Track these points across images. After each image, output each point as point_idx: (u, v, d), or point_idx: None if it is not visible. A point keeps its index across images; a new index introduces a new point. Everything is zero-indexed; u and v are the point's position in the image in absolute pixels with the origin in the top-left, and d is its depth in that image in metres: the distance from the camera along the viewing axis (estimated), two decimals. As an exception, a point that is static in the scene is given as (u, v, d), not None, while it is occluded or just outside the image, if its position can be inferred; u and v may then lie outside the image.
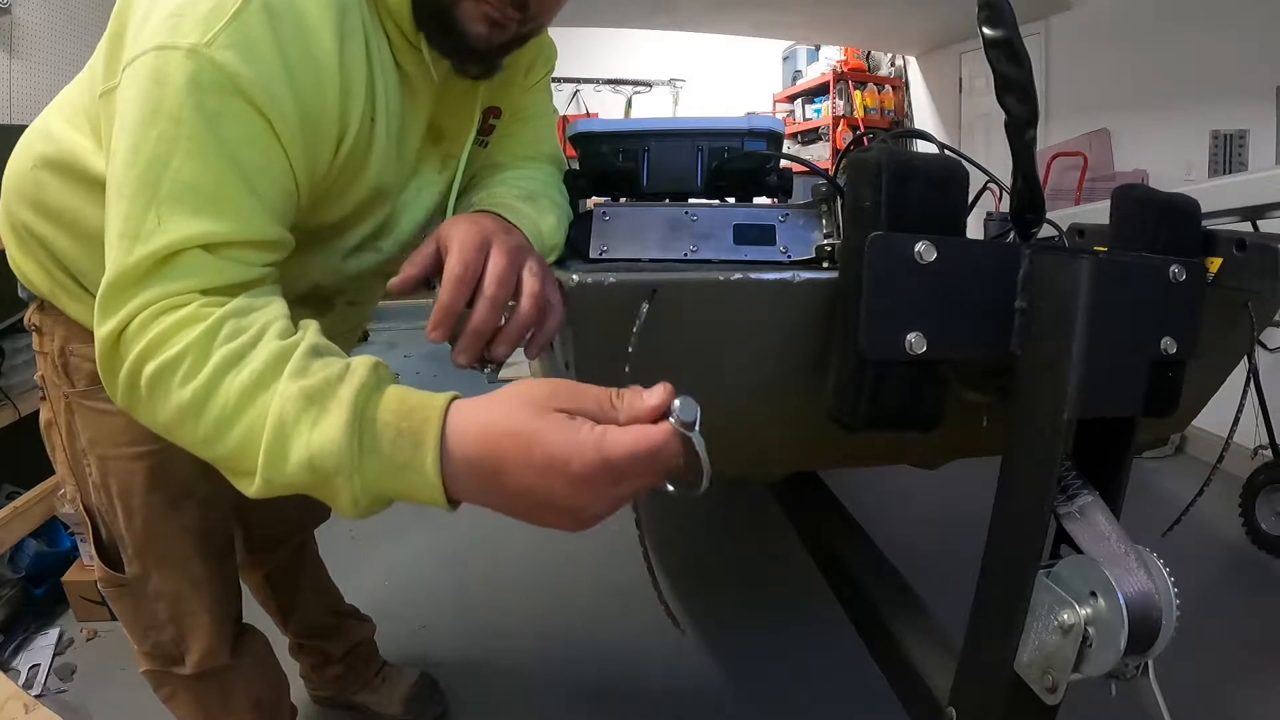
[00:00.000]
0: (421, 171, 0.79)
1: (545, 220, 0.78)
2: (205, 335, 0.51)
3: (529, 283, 0.62)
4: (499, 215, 0.70)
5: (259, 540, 1.18)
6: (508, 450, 0.46)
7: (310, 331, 0.54)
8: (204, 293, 0.53)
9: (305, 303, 0.80)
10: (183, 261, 0.53)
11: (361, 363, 0.51)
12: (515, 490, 0.46)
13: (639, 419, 0.45)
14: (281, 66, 0.56)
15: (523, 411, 0.46)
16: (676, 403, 0.45)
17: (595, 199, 1.00)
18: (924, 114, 4.71)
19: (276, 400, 0.48)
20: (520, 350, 0.64)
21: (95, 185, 0.67)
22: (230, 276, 0.55)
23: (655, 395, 0.46)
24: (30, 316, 0.87)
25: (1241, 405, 0.87)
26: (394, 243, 0.80)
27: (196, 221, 0.53)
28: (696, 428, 0.44)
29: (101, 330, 0.54)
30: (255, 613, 1.16)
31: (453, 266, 0.60)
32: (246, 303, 0.54)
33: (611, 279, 0.65)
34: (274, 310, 0.55)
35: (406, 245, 0.80)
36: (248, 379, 0.50)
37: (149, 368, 0.51)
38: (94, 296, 0.75)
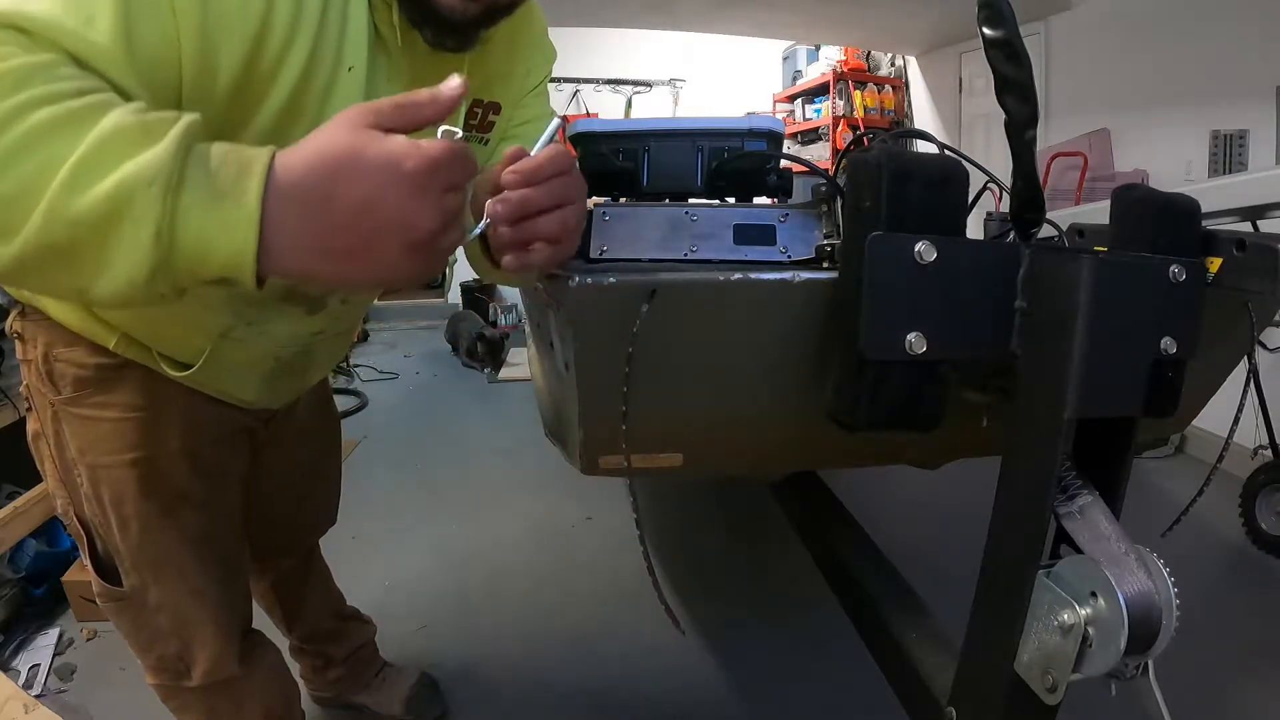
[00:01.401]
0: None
1: None
2: (27, 68, 0.43)
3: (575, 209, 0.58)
4: None
5: (265, 549, 1.16)
6: (342, 162, 0.44)
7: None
8: (26, 35, 0.45)
9: (295, 300, 0.79)
10: (26, 37, 0.45)
11: (194, 115, 0.45)
12: (348, 209, 0.44)
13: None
14: None
15: (348, 129, 0.45)
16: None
17: (595, 199, 1.00)
18: (924, 114, 4.71)
19: (105, 125, 0.42)
20: (520, 350, 0.64)
21: None
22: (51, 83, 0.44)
23: (451, 87, 0.48)
24: (11, 324, 0.85)
25: (1241, 405, 0.87)
26: None
27: (57, 11, 0.46)
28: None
29: None
30: (256, 614, 1.16)
31: (542, 157, 0.56)
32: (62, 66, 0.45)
33: (611, 279, 0.65)
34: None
35: None
36: (67, 112, 0.42)
37: None
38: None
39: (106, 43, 0.49)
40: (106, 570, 0.89)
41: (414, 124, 0.47)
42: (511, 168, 0.55)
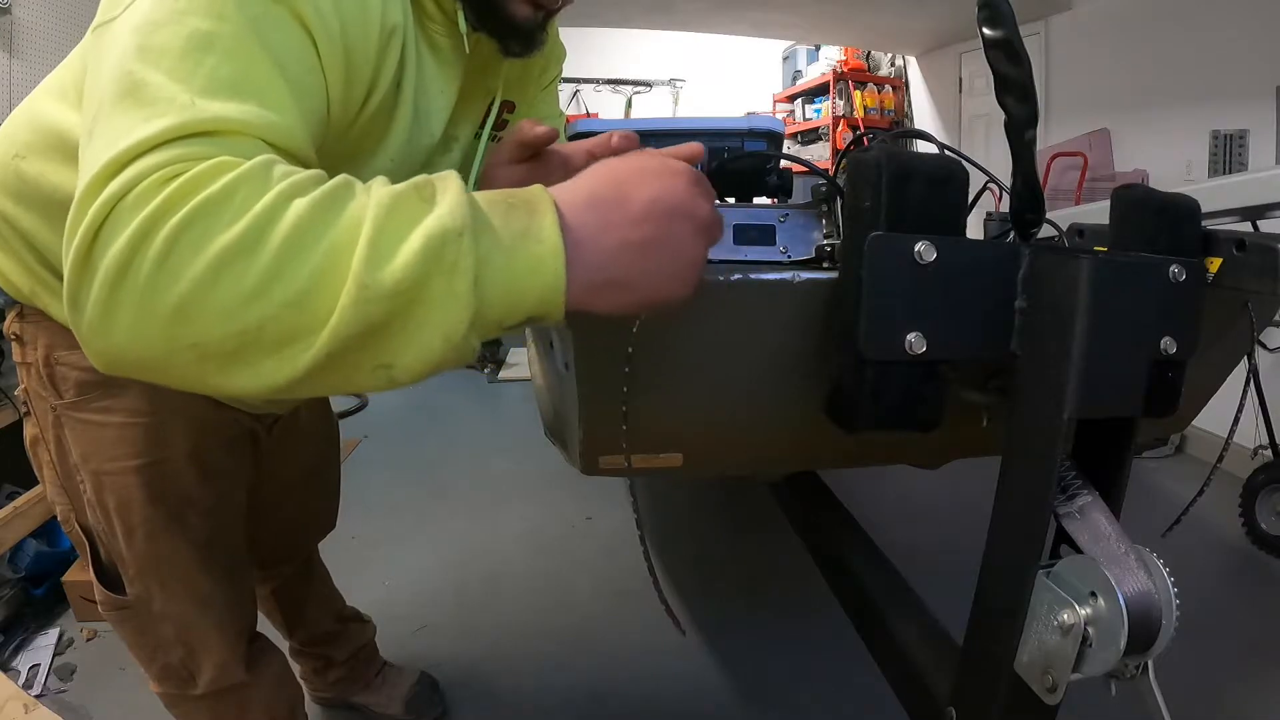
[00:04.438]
0: (450, 148, 0.77)
1: None
2: (255, 170, 0.41)
3: None
4: None
5: (266, 557, 1.15)
6: (627, 173, 0.47)
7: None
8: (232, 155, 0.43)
9: None
10: (219, 138, 0.43)
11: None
12: (643, 202, 0.46)
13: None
14: None
15: (608, 159, 0.50)
16: None
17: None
18: (924, 114, 4.71)
19: (373, 204, 0.41)
20: (520, 350, 0.65)
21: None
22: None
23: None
24: (9, 325, 0.82)
25: (1241, 405, 0.87)
26: None
27: (239, 106, 0.45)
28: None
29: (82, 219, 0.40)
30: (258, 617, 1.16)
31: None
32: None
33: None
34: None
35: None
36: (322, 198, 0.41)
37: (171, 222, 0.38)
38: None
39: (290, 121, 0.48)
40: (110, 578, 0.87)
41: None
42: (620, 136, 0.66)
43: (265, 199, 0.40)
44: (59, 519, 0.89)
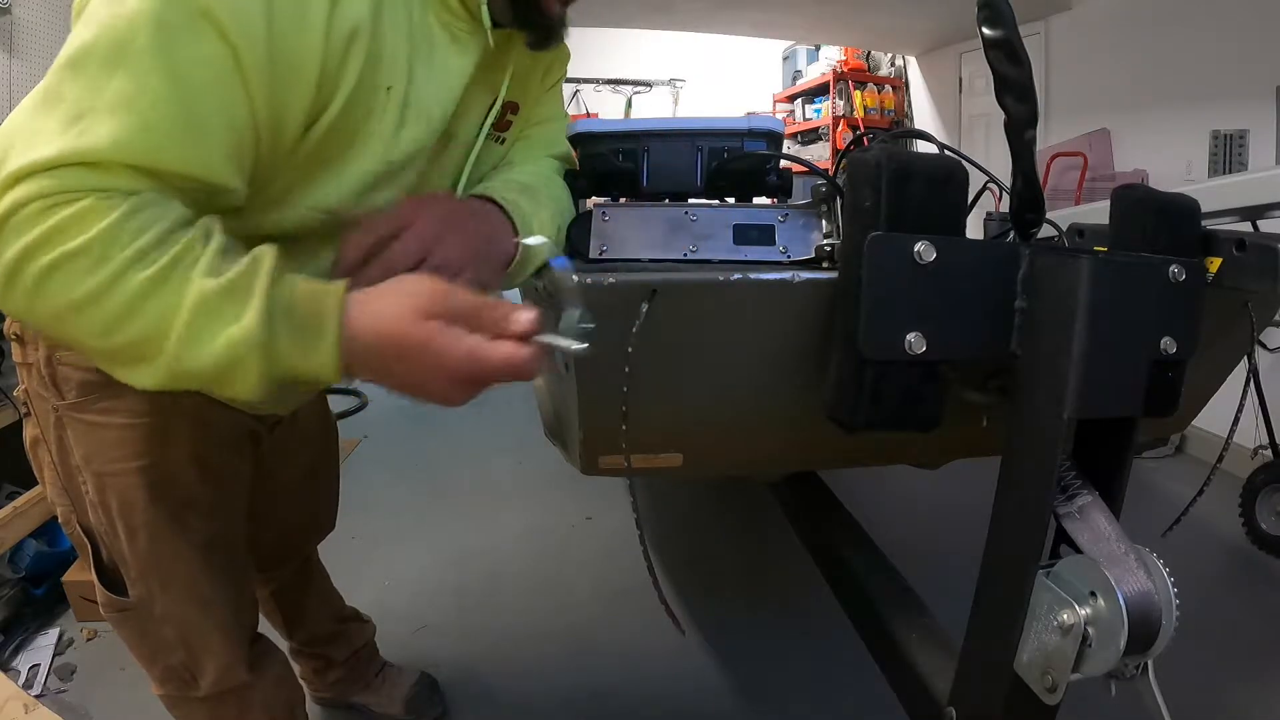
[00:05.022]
0: (449, 145, 0.77)
1: (540, 213, 0.77)
2: (111, 229, 0.50)
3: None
4: (488, 199, 0.72)
5: (265, 559, 1.14)
6: (396, 352, 0.54)
7: (216, 231, 0.55)
8: (100, 192, 0.51)
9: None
10: (96, 169, 0.51)
11: (266, 253, 0.54)
12: (399, 378, 0.56)
13: (506, 336, 0.55)
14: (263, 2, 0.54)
15: (411, 319, 0.54)
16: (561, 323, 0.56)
17: (595, 199, 1.00)
18: (924, 114, 4.71)
19: (195, 292, 0.51)
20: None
21: None
22: (135, 187, 0.52)
23: (523, 323, 0.55)
24: (9, 325, 0.82)
25: (1241, 405, 0.87)
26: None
27: (127, 131, 0.51)
28: (567, 345, 0.56)
29: None
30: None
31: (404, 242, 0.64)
32: (149, 198, 0.52)
33: (611, 279, 0.65)
34: (177, 207, 0.54)
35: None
36: (157, 273, 0.51)
37: (42, 260, 0.49)
38: None
39: (180, 143, 0.53)
40: (111, 579, 0.87)
41: (481, 331, 0.55)
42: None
43: (112, 265, 0.50)
44: (60, 520, 0.89)
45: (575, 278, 0.65)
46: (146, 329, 0.51)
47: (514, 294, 0.84)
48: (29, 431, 0.86)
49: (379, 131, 0.65)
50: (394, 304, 0.54)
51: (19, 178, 0.49)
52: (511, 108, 0.82)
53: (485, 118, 0.78)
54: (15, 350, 0.82)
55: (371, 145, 0.66)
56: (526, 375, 0.55)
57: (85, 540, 0.86)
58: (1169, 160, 2.73)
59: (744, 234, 0.81)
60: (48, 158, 0.49)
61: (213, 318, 0.51)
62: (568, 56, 0.91)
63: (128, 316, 0.50)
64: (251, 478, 0.96)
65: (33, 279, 0.50)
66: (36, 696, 1.43)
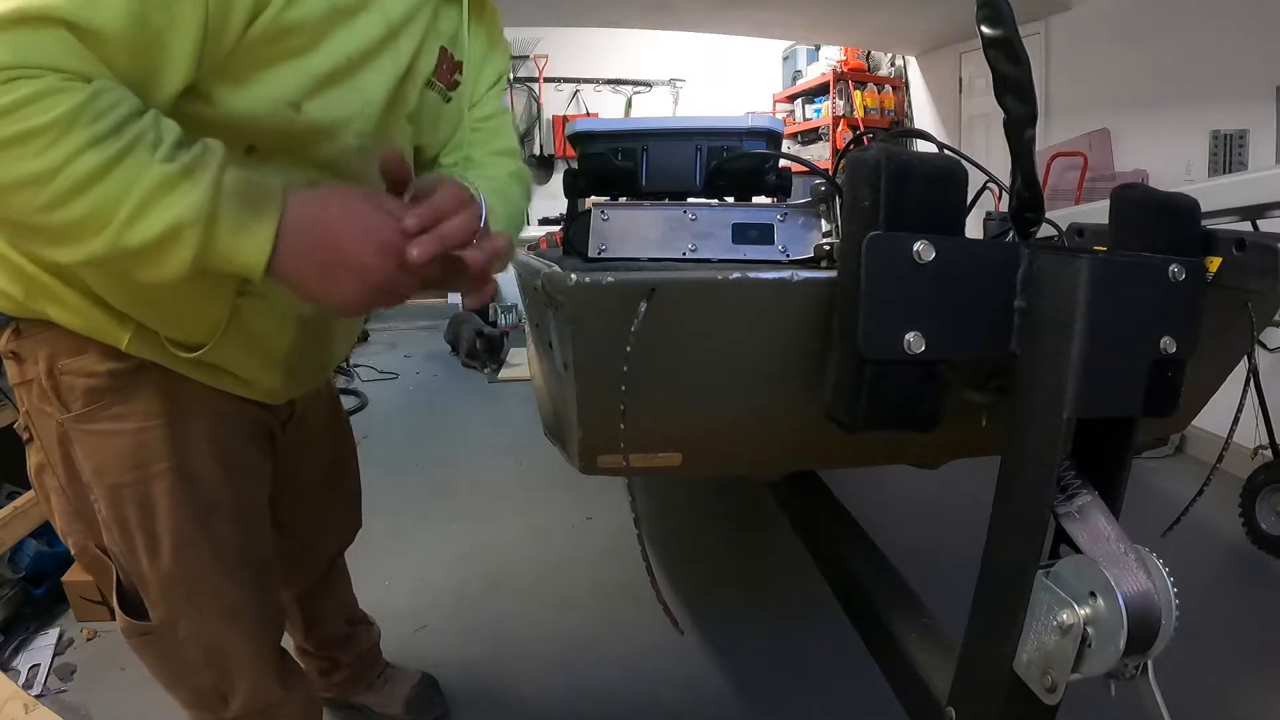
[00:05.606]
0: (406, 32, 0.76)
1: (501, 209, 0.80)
2: (70, 114, 0.50)
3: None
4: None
5: (290, 561, 1.10)
6: (337, 214, 0.59)
7: (170, 122, 0.56)
8: (58, 72, 0.51)
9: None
10: (44, 37, 0.51)
11: (217, 143, 0.57)
12: (331, 244, 0.59)
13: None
14: None
15: (348, 195, 0.60)
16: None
17: (594, 198, 1.00)
18: (924, 114, 4.71)
19: (151, 175, 0.53)
20: (520, 350, 0.66)
21: None
22: (89, 71, 0.53)
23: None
24: (5, 344, 0.76)
25: (1241, 405, 0.87)
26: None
27: None
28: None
29: None
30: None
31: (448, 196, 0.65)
32: (107, 84, 0.54)
33: (610, 278, 0.65)
34: (132, 98, 0.55)
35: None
36: (114, 156, 0.52)
37: None
38: (79, 285, 0.71)
39: (121, 35, 0.55)
40: (131, 604, 0.83)
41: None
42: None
43: (66, 147, 0.50)
44: (74, 551, 0.84)
45: (574, 277, 0.65)
46: (94, 208, 0.52)
47: (514, 292, 0.84)
48: (33, 459, 0.81)
49: (359, 35, 0.69)
50: (334, 193, 0.60)
51: None
52: (457, 67, 0.83)
53: (436, 72, 0.80)
54: (12, 370, 0.77)
55: (347, 47, 0.68)
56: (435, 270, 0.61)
57: (107, 563, 0.82)
58: (1169, 160, 2.73)
59: (743, 233, 0.81)
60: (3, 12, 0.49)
61: (163, 195, 0.53)
62: (508, 49, 0.94)
63: (75, 196, 0.51)
64: (273, 480, 0.94)
65: None
66: (36, 696, 1.43)
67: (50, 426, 0.77)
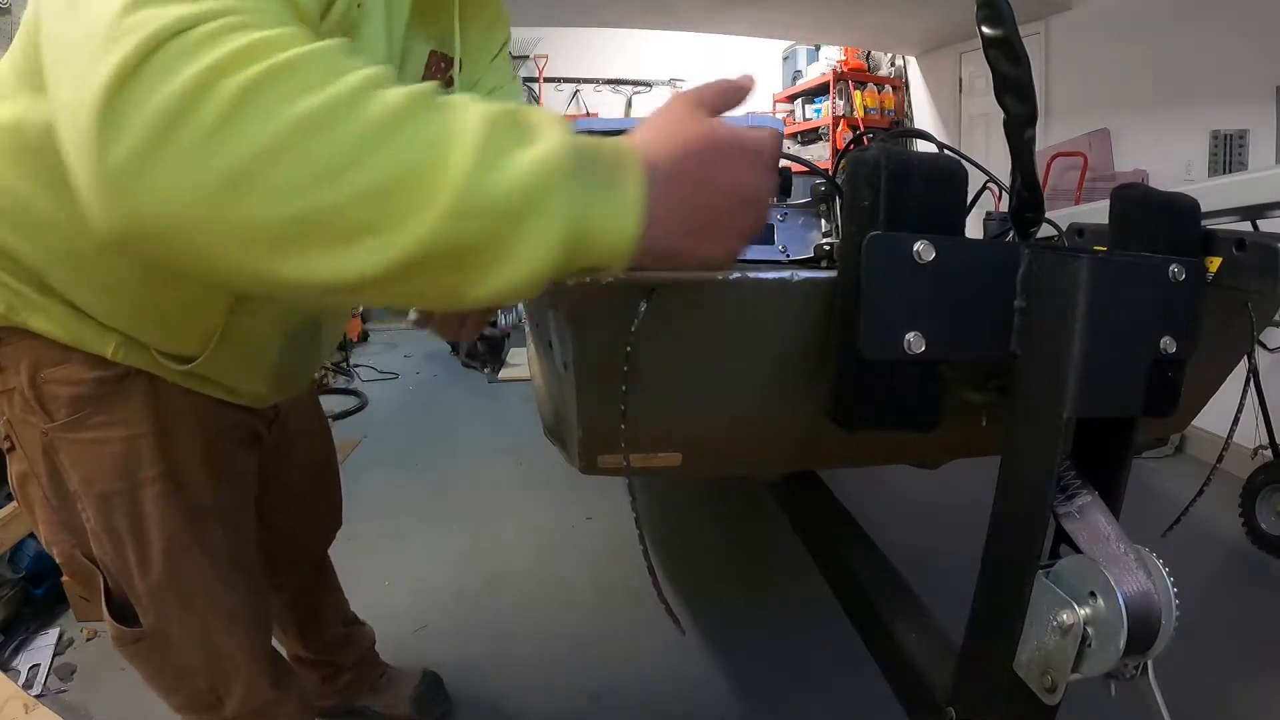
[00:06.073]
0: (407, 65, 0.75)
1: None
2: (328, 50, 0.37)
3: None
4: None
5: (280, 562, 1.09)
6: (705, 150, 0.47)
7: None
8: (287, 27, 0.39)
9: None
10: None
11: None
12: (720, 188, 0.47)
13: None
14: None
15: (692, 117, 0.48)
16: None
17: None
18: (924, 114, 4.71)
19: (476, 112, 0.38)
20: (520, 350, 0.65)
21: (42, 150, 0.58)
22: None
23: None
24: None
25: (1241, 405, 0.87)
26: None
27: None
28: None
29: (109, 51, 0.34)
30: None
31: None
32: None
33: (610, 278, 0.65)
34: None
35: None
36: (409, 94, 0.37)
37: (240, 77, 0.34)
38: (62, 298, 0.69)
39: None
40: (121, 611, 0.83)
41: (729, 107, 0.52)
42: None
43: (350, 78, 0.36)
44: (59, 560, 0.83)
45: (573, 278, 0.65)
46: (412, 156, 0.36)
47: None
48: (14, 468, 0.79)
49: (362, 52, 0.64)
50: (667, 116, 0.48)
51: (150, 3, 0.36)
52: (448, 62, 0.80)
53: (426, 73, 0.78)
54: None
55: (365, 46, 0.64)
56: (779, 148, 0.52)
57: (95, 571, 0.81)
58: (1169, 160, 2.73)
59: (743, 233, 0.81)
60: None
61: (506, 138, 0.38)
62: (508, 18, 0.91)
63: (378, 141, 0.36)
64: (259, 481, 0.94)
65: (220, 110, 0.34)
66: (36, 696, 1.43)
67: (34, 436, 0.75)
